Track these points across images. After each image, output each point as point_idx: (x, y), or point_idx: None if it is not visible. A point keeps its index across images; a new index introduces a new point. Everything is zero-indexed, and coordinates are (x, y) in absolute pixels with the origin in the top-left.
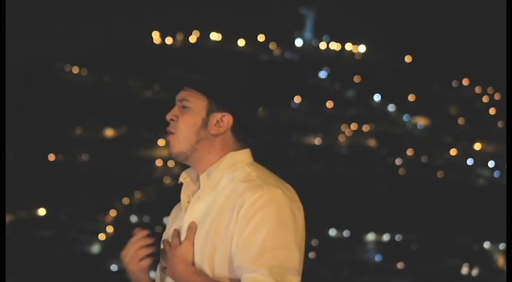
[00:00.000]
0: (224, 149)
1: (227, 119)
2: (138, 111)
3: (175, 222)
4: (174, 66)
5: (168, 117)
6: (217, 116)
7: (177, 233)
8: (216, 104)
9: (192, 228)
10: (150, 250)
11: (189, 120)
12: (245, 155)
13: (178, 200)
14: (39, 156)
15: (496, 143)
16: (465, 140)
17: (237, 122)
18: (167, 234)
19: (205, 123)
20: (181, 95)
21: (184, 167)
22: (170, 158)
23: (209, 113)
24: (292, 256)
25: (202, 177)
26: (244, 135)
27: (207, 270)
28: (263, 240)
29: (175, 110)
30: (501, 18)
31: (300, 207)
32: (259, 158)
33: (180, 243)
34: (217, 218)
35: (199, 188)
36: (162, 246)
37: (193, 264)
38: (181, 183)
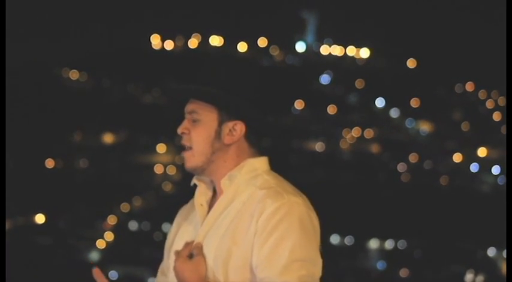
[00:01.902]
0: (240, 156)
1: (239, 127)
2: (137, 116)
3: (186, 224)
4: (174, 71)
5: (180, 130)
6: (229, 125)
7: (188, 242)
8: (227, 113)
9: (199, 248)
10: None
11: (202, 133)
12: (263, 162)
13: (178, 206)
14: (37, 162)
15: (500, 148)
16: (469, 146)
17: (250, 128)
18: (177, 235)
19: (218, 134)
20: (189, 107)
21: (187, 173)
22: (170, 163)
23: (221, 123)
24: (317, 264)
25: (223, 181)
26: (258, 140)
27: (220, 276)
28: (290, 252)
29: (186, 123)
30: (505, 22)
31: (316, 215)
32: None
33: (192, 255)
34: (233, 223)
35: (213, 192)
36: (171, 250)
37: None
38: (191, 187)
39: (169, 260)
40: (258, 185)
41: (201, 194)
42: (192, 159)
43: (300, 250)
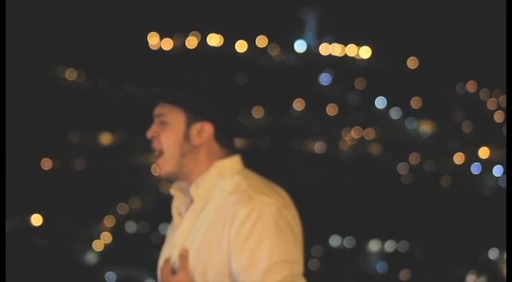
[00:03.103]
0: (210, 158)
1: (208, 128)
2: (135, 117)
3: (168, 238)
4: (172, 71)
5: (149, 134)
6: (197, 126)
7: (167, 259)
8: (194, 114)
9: (185, 256)
10: None
11: (171, 135)
12: (233, 162)
13: None
14: (34, 162)
15: (502, 149)
16: (471, 146)
17: (218, 128)
18: (164, 250)
19: (187, 136)
20: (157, 110)
21: None
22: None
23: (189, 124)
24: (299, 262)
25: (191, 189)
26: (229, 140)
27: None
28: (269, 255)
29: (154, 127)
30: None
31: (293, 212)
32: (260, 165)
33: (174, 270)
34: (207, 233)
35: (190, 199)
36: (160, 265)
37: None
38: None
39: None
40: (229, 190)
41: (179, 204)
42: (165, 165)
43: (278, 251)
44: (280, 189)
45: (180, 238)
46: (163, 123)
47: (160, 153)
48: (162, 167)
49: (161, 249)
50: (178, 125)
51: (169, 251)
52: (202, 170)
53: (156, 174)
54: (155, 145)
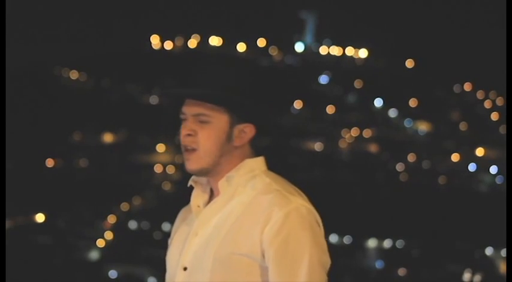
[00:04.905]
0: (241, 158)
1: (250, 130)
2: (137, 116)
3: (183, 225)
4: (174, 72)
5: (186, 132)
6: (240, 127)
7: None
8: (238, 116)
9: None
10: None
11: (212, 135)
12: (261, 162)
13: (178, 206)
14: (37, 161)
15: (498, 148)
16: (467, 146)
17: (259, 130)
18: (173, 239)
19: (229, 137)
20: (194, 109)
21: (187, 173)
22: (169, 163)
23: (232, 126)
24: (329, 262)
25: (221, 183)
26: (256, 140)
27: (218, 278)
28: (309, 259)
29: (191, 125)
30: (504, 23)
31: (317, 214)
32: None
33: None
34: (235, 227)
35: (210, 193)
36: (170, 259)
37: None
38: (190, 187)
39: (169, 270)
40: (260, 189)
41: (198, 196)
42: (199, 161)
43: (316, 259)
44: (301, 191)
45: (200, 227)
46: (203, 123)
47: (193, 149)
48: (196, 162)
49: (164, 246)
50: (222, 125)
51: (183, 243)
52: (232, 167)
53: (187, 169)
54: (190, 143)
